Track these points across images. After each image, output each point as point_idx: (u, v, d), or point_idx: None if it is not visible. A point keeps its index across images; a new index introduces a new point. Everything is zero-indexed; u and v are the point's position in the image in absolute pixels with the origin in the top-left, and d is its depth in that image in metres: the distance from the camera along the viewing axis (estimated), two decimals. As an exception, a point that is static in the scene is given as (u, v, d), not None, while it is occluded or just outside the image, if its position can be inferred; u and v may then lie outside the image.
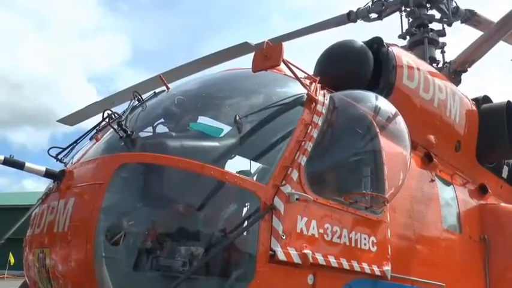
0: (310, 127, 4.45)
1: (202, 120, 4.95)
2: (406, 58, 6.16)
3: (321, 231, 4.25)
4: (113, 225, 3.63)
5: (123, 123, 4.08)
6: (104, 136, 4.64)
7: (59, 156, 4.74)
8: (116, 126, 4.05)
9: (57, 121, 11.89)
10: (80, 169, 4.08)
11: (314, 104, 4.63)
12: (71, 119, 11.48)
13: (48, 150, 4.68)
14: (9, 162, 3.94)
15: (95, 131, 4.86)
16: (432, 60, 9.46)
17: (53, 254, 3.80)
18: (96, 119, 4.91)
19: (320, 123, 4.56)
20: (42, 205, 4.15)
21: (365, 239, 4.64)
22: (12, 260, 31.98)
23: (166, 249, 3.81)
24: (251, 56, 4.50)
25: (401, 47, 7.31)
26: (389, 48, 6.03)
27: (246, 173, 4.50)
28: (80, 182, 3.85)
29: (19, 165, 3.99)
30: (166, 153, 3.96)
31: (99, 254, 3.48)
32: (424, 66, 6.76)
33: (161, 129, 4.68)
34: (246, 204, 4.21)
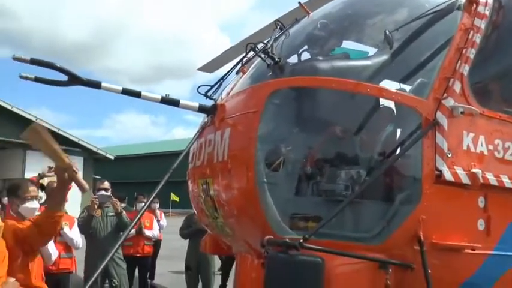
0: (471, 32, 3.92)
1: (347, 44, 4.71)
2: None
3: (491, 147, 3.83)
4: (271, 152, 3.63)
5: (269, 51, 3.99)
6: (251, 68, 4.62)
7: (208, 94, 4.87)
8: (262, 55, 3.98)
9: (197, 69, 12.41)
10: (231, 101, 4.12)
11: (475, 5, 4.05)
12: (210, 66, 11.85)
13: (198, 88, 4.82)
14: (166, 100, 4.14)
15: (240, 65, 4.87)
16: None
17: (216, 184, 3.95)
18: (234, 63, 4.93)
19: (483, 26, 3.99)
20: (200, 140, 4.32)
21: (543, 156, 4.08)
22: (176, 198, 35.53)
23: (326, 174, 3.74)
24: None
25: None
26: None
27: (402, 89, 4.17)
28: (233, 113, 3.89)
29: (175, 103, 4.18)
30: (317, 75, 3.82)
31: (261, 180, 3.52)
32: None
33: (306, 55, 4.51)
34: (407, 121, 3.92)
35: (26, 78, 3.91)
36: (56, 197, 3.92)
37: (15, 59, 3.64)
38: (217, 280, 10.28)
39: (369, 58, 4.26)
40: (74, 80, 3.85)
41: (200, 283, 9.67)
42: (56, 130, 30.42)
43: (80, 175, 3.66)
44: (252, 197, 3.55)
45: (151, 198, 4.36)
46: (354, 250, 3.42)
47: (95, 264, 7.87)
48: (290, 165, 3.74)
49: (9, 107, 28.51)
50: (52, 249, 5.85)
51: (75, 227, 7.23)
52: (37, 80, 3.96)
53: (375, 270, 3.43)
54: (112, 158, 34.39)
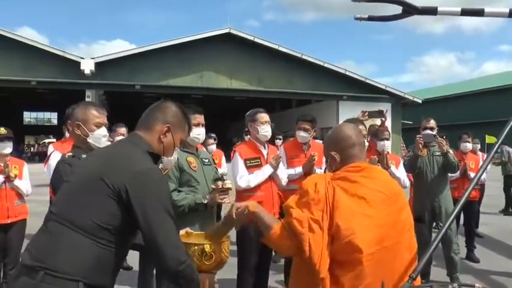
0: None
1: None
2: None
3: None
4: None
5: None
6: None
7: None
8: None
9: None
10: None
11: None
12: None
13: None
14: (468, 12, 3.62)
15: None
16: None
17: None
18: None
19: None
20: None
21: None
22: (492, 140, 32.80)
23: None
24: None
25: None
26: None
27: None
28: None
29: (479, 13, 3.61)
30: None
31: None
32: None
33: None
34: None
35: (360, 18, 3.98)
36: None
37: (354, 0, 3.71)
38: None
39: None
40: (408, 10, 3.69)
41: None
42: (363, 80, 31.89)
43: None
44: None
45: (499, 140, 3.66)
46: None
47: (423, 203, 7.90)
48: None
49: (343, 71, 31.36)
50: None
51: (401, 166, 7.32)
52: (370, 18, 3.98)
53: None
54: (420, 101, 33.86)
